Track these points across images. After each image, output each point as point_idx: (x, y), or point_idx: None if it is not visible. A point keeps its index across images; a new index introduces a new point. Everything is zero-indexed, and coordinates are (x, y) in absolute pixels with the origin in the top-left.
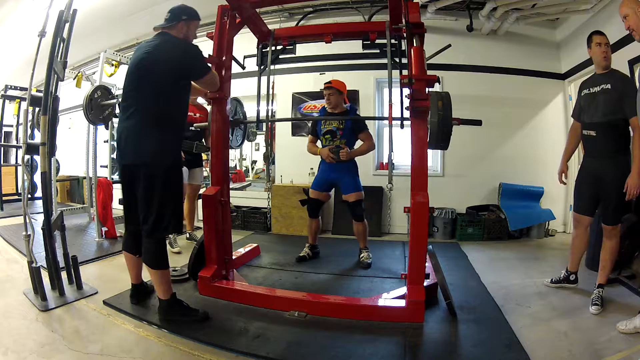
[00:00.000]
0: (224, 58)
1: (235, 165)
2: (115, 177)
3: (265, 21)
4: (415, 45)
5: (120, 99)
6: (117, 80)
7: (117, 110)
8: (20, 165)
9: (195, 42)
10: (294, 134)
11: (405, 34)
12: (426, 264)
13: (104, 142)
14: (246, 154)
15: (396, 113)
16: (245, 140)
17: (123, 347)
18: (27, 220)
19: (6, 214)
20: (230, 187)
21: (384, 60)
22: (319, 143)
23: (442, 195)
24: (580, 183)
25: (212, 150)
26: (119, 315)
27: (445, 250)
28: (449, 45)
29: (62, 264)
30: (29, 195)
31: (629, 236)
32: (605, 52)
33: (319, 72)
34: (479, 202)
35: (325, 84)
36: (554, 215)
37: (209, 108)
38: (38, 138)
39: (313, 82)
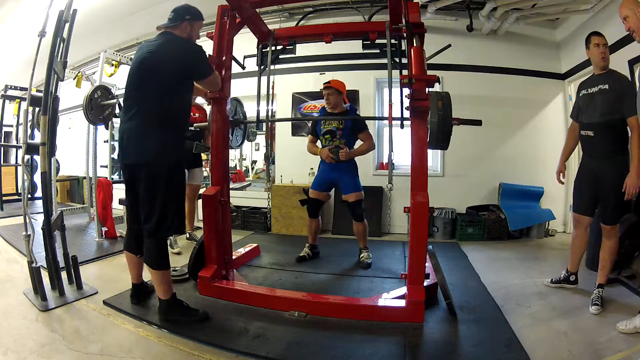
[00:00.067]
0: (224, 58)
1: (235, 165)
2: (115, 177)
3: (265, 21)
4: (415, 45)
5: (120, 99)
6: (117, 80)
7: (117, 110)
8: (20, 165)
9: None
10: (294, 134)
11: (405, 34)
12: (426, 264)
13: (104, 142)
14: (246, 154)
15: (396, 113)
16: (245, 140)
17: (123, 347)
18: (27, 220)
19: (6, 214)
20: (230, 187)
21: (384, 60)
22: (318, 143)
23: (442, 195)
24: (579, 183)
25: (212, 150)
26: (119, 315)
27: (445, 250)
28: (449, 45)
29: (62, 264)
30: (29, 195)
31: (629, 236)
32: (603, 52)
33: (319, 72)
34: (479, 202)
35: (324, 84)
36: (554, 215)
37: (207, 108)
38: (38, 138)
39: (313, 82)
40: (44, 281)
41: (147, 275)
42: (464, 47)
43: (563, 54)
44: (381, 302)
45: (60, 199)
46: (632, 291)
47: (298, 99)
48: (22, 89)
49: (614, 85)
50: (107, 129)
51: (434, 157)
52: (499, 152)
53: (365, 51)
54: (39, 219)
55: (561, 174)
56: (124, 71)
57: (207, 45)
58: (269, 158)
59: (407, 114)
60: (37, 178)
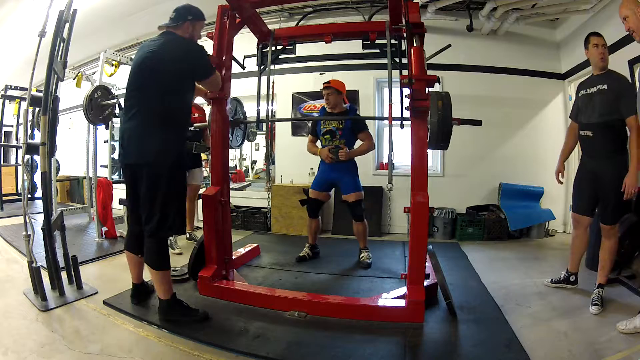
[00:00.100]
0: (224, 58)
1: (235, 165)
2: (115, 177)
3: (265, 21)
4: (415, 45)
5: (121, 99)
6: (117, 80)
7: (117, 111)
8: (20, 165)
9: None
10: (294, 134)
11: (405, 34)
12: (426, 264)
13: (104, 142)
14: (246, 154)
15: (396, 113)
16: (245, 140)
17: (123, 347)
18: (27, 220)
19: (6, 214)
20: (230, 187)
21: (384, 60)
22: (318, 143)
23: (442, 195)
24: (579, 183)
25: (212, 150)
26: (119, 315)
27: (445, 250)
28: (449, 45)
29: (62, 264)
30: (29, 195)
31: (629, 236)
32: (602, 53)
33: (319, 72)
34: (479, 202)
35: (324, 83)
36: (554, 215)
37: (207, 108)
38: (38, 138)
39: (313, 82)
40: (44, 281)
41: (147, 275)
42: (464, 47)
43: (563, 54)
44: (381, 302)
45: (60, 199)
46: (632, 291)
47: (298, 99)
48: (22, 89)
49: (613, 85)
50: (107, 129)
51: (434, 157)
52: (499, 152)
53: (365, 51)
54: (39, 219)
55: (560, 174)
56: (124, 71)
57: (207, 45)
58: (269, 158)
59: (407, 114)
60: (37, 178)
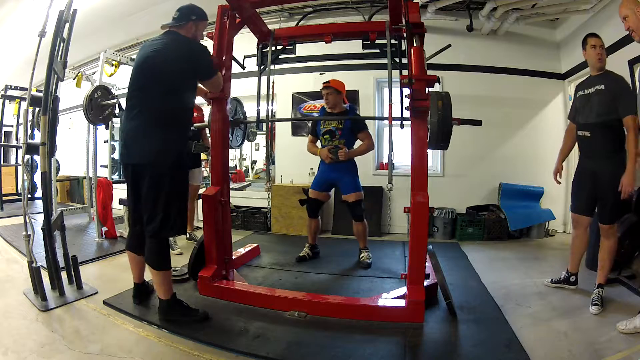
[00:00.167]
0: (224, 58)
1: (235, 165)
2: (115, 177)
3: (265, 21)
4: (415, 45)
5: (121, 99)
6: (117, 80)
7: (117, 111)
8: (20, 165)
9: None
10: (294, 134)
11: (405, 34)
12: (426, 264)
13: (104, 142)
14: (246, 154)
15: (396, 113)
16: (245, 140)
17: (123, 347)
18: (27, 220)
19: (6, 214)
20: (230, 187)
21: (384, 60)
22: (318, 143)
23: (442, 195)
24: (577, 183)
25: (212, 150)
26: (119, 315)
27: (445, 250)
28: (449, 45)
29: (62, 264)
30: (29, 195)
31: (629, 236)
32: (599, 54)
33: (319, 72)
34: (479, 202)
35: (323, 83)
36: (554, 215)
37: (205, 108)
38: (38, 138)
39: (313, 82)
40: (44, 281)
41: (147, 274)
42: (464, 47)
43: (563, 54)
44: (381, 302)
45: (60, 199)
46: (632, 291)
47: (298, 99)
48: (22, 89)
49: (610, 85)
50: (107, 129)
51: (434, 157)
52: (499, 152)
53: (365, 51)
54: (39, 219)
55: (558, 174)
56: (124, 71)
57: (208, 45)
58: (269, 158)
59: (407, 114)
60: (37, 178)
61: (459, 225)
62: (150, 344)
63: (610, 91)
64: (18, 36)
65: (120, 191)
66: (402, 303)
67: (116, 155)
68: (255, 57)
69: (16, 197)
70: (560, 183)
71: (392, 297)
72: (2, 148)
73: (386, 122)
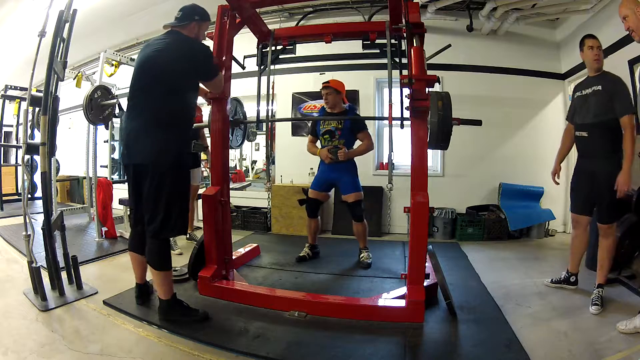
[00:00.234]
0: (224, 58)
1: (235, 165)
2: (115, 177)
3: (265, 21)
4: (415, 45)
5: (120, 99)
6: (117, 80)
7: (117, 111)
8: (20, 165)
9: None
10: (294, 134)
11: (405, 34)
12: (426, 264)
13: (104, 142)
14: (246, 154)
15: (396, 113)
16: (245, 140)
17: (123, 347)
18: (27, 220)
19: (6, 214)
20: (230, 187)
21: (384, 60)
22: (318, 143)
23: (442, 195)
24: (575, 183)
25: (212, 150)
26: (119, 315)
27: (445, 250)
28: (449, 45)
29: (62, 264)
30: (29, 195)
31: (629, 236)
32: (597, 55)
33: (319, 72)
34: (479, 202)
35: (323, 83)
36: (554, 215)
37: (203, 108)
38: (38, 138)
39: (313, 82)
40: (44, 281)
41: (148, 275)
42: (464, 47)
43: (563, 54)
44: (381, 302)
45: (60, 199)
46: (632, 291)
47: (298, 99)
48: (22, 89)
49: (607, 86)
50: (107, 129)
51: (434, 157)
52: (499, 152)
53: (365, 51)
54: (39, 219)
55: (556, 175)
56: (124, 71)
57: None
58: (269, 158)
59: (407, 114)
60: (37, 178)
61: (459, 225)
62: (150, 344)
63: (607, 92)
64: (18, 36)
65: (120, 191)
66: (402, 303)
67: (116, 155)
68: (255, 57)
69: (16, 197)
70: (558, 184)
71: (392, 297)
72: (2, 148)
73: (386, 122)
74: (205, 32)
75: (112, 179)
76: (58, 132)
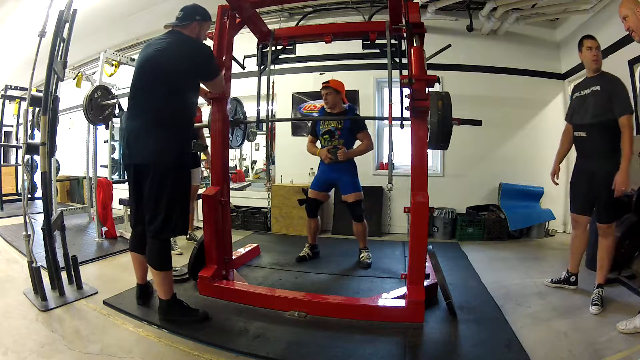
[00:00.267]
0: (224, 58)
1: (235, 165)
2: (115, 177)
3: (265, 21)
4: (415, 45)
5: (120, 99)
6: (117, 80)
7: (117, 111)
8: (20, 165)
9: None
10: (294, 134)
11: (405, 34)
12: (426, 264)
13: (104, 142)
14: (246, 154)
15: (396, 113)
16: (245, 140)
17: (123, 347)
18: (27, 220)
19: (6, 214)
20: (230, 187)
21: (384, 60)
22: (318, 143)
23: (442, 195)
24: (574, 183)
25: (212, 150)
26: (119, 315)
27: (445, 250)
28: (449, 45)
29: (62, 264)
30: (29, 195)
31: (629, 236)
32: (595, 55)
33: (319, 72)
34: (479, 202)
35: (322, 83)
36: (554, 215)
37: (202, 108)
38: (38, 138)
39: (313, 82)
40: (44, 281)
41: (148, 275)
42: (464, 47)
43: (563, 54)
44: (381, 302)
45: (60, 199)
46: (632, 291)
47: (298, 99)
48: (22, 89)
49: (606, 86)
50: (107, 129)
51: (434, 157)
52: (499, 152)
53: (365, 51)
54: (39, 219)
55: (555, 176)
56: (124, 71)
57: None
58: (269, 158)
59: (407, 114)
60: (37, 178)
61: (459, 225)
62: (150, 344)
63: (605, 92)
64: (18, 36)
65: (120, 191)
66: (402, 303)
67: (116, 155)
68: (255, 57)
69: (16, 197)
70: (557, 184)
71: (392, 297)
72: (2, 148)
73: (386, 122)
74: (206, 32)
75: (112, 179)
76: (58, 132)
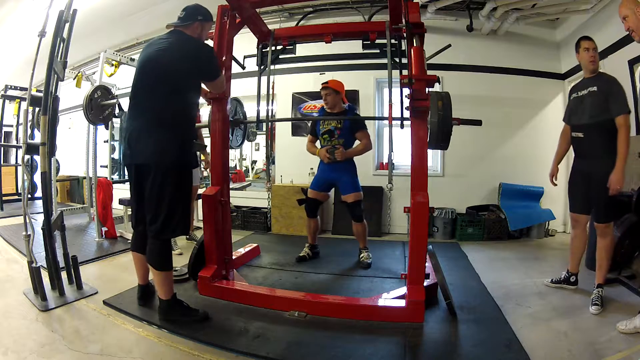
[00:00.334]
0: (224, 58)
1: (235, 165)
2: (115, 177)
3: (265, 21)
4: (415, 45)
5: (120, 99)
6: (117, 80)
7: (117, 111)
8: (20, 165)
9: None
10: (294, 134)
11: (405, 34)
12: (426, 264)
13: (104, 142)
14: (246, 154)
15: (396, 113)
16: (245, 140)
17: (123, 347)
18: (27, 220)
19: (6, 214)
20: (230, 187)
21: (384, 60)
22: (318, 143)
23: (442, 195)
24: (572, 183)
25: (212, 150)
26: (119, 315)
27: (445, 250)
28: (449, 45)
29: (62, 264)
30: (29, 195)
31: (629, 236)
32: (592, 56)
33: (319, 72)
34: (479, 202)
35: (322, 84)
36: (554, 215)
37: (202, 108)
38: (38, 138)
39: (313, 82)
40: (44, 281)
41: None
42: (464, 47)
43: (563, 54)
44: (381, 302)
45: (60, 199)
46: (632, 291)
47: (298, 99)
48: (22, 89)
49: (603, 86)
50: (107, 129)
51: (434, 157)
52: (499, 152)
53: (365, 51)
54: (39, 219)
55: (554, 177)
56: (124, 71)
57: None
58: (269, 158)
59: (407, 114)
60: (37, 178)
61: (459, 225)
62: (150, 344)
63: (602, 92)
64: (18, 36)
65: (120, 191)
66: (402, 303)
67: (116, 155)
68: (255, 57)
69: (16, 197)
70: (556, 185)
71: (392, 297)
72: (2, 148)
73: (386, 122)
74: (208, 32)
75: (112, 179)
76: (58, 132)
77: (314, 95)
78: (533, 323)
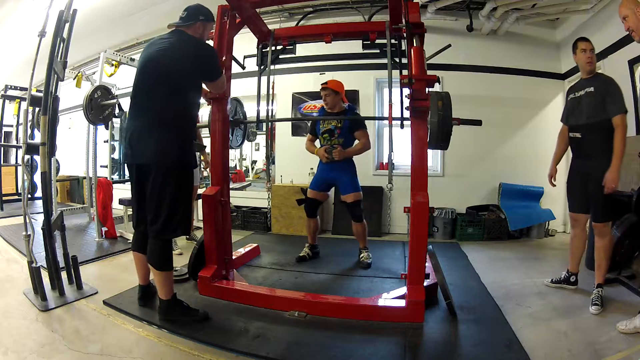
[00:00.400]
0: (224, 58)
1: (235, 165)
2: (115, 177)
3: (265, 21)
4: (415, 45)
5: (120, 99)
6: (117, 80)
7: (117, 111)
8: (20, 165)
9: None
10: (294, 134)
11: (405, 34)
12: (426, 264)
13: (104, 142)
14: (246, 154)
15: (396, 113)
16: (245, 140)
17: (123, 347)
18: (27, 220)
19: (6, 214)
20: (230, 187)
21: (384, 60)
22: (317, 142)
23: (442, 195)
24: (570, 183)
25: (212, 150)
26: (119, 315)
27: (445, 250)
28: (449, 45)
29: (62, 264)
30: (29, 195)
31: (629, 236)
32: (589, 57)
33: (319, 72)
34: (479, 202)
35: (321, 84)
36: (554, 215)
37: (201, 108)
38: (38, 138)
39: (313, 82)
40: (44, 281)
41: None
42: (464, 47)
43: (563, 54)
44: (381, 302)
45: (60, 199)
46: (632, 291)
47: (298, 99)
48: (22, 89)
49: (600, 87)
50: (107, 129)
51: (434, 157)
52: (499, 152)
53: (365, 51)
54: (39, 219)
55: (552, 178)
56: (124, 71)
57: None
58: (269, 158)
59: (407, 114)
60: (37, 178)
61: (459, 225)
62: (150, 344)
63: (600, 93)
64: (18, 36)
65: (120, 191)
66: (402, 303)
67: (116, 155)
68: (255, 57)
69: (16, 197)
70: (555, 185)
71: (392, 297)
72: (2, 148)
73: (386, 122)
74: (209, 33)
75: (112, 179)
76: (58, 132)
77: (314, 95)
78: (533, 323)
